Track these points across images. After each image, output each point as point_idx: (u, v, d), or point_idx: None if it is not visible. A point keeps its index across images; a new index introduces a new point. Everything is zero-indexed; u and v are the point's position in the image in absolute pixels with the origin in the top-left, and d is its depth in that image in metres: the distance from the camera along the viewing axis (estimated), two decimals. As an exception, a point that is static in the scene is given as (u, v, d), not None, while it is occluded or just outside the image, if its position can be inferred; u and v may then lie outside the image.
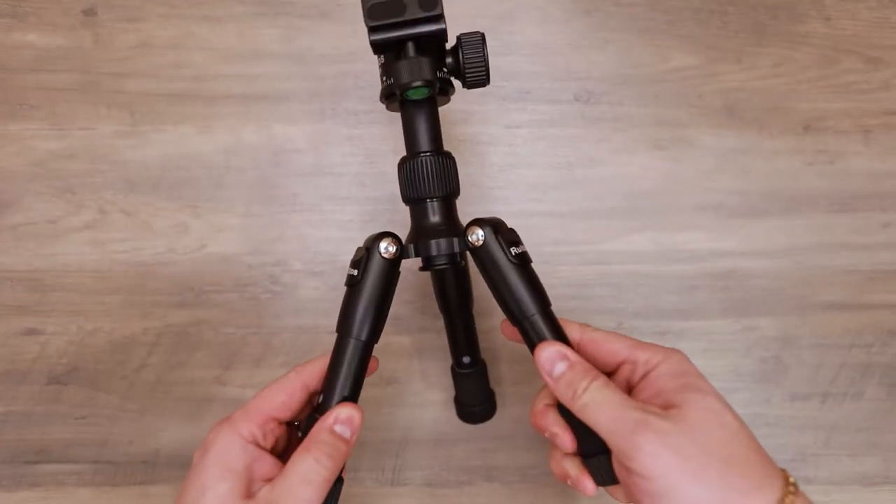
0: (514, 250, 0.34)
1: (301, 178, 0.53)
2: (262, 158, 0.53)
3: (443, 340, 0.53)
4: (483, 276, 0.35)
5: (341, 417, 0.33)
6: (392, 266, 0.35)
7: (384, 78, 0.36)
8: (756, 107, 0.54)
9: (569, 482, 0.34)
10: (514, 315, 0.34)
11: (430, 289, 0.53)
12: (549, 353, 0.32)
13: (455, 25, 0.54)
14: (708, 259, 0.53)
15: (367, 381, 0.52)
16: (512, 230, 0.35)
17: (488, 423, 0.52)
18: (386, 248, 0.35)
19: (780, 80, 0.54)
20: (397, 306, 0.52)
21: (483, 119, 0.53)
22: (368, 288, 0.35)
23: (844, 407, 0.53)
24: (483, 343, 0.50)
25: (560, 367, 0.32)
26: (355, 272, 0.35)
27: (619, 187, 0.53)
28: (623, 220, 0.53)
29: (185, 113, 0.53)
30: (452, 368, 0.48)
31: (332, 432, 0.32)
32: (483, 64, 0.36)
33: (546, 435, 0.35)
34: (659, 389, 0.31)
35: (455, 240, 0.35)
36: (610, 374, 0.34)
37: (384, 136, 0.53)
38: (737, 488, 0.28)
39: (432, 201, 0.36)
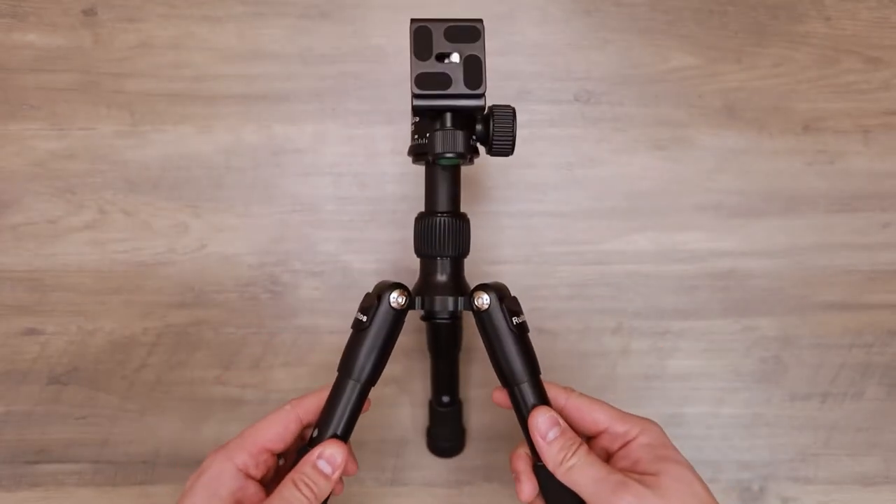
0: (515, 320, 0.36)
1: (301, 178, 0.53)
2: (262, 158, 0.53)
3: (443, 340, 0.54)
4: (482, 337, 0.37)
5: (325, 454, 0.34)
6: (399, 316, 0.36)
7: (416, 136, 0.38)
8: (756, 107, 0.54)
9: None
10: (507, 379, 0.36)
11: (430, 289, 0.53)
12: (545, 419, 0.35)
13: (455, 25, 0.54)
14: (708, 259, 0.53)
15: (367, 381, 0.52)
16: (514, 299, 0.37)
17: (487, 424, 0.52)
18: (396, 298, 0.36)
19: (780, 80, 0.54)
20: (397, 306, 0.52)
21: (483, 119, 0.53)
22: (374, 334, 0.36)
23: (844, 407, 0.53)
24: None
25: (554, 433, 0.34)
26: (364, 318, 0.36)
27: (619, 187, 0.53)
28: (623, 220, 0.53)
29: (185, 113, 0.53)
30: (430, 404, 0.49)
31: (314, 467, 0.34)
32: (511, 137, 0.37)
33: (514, 476, 0.38)
34: (637, 459, 0.35)
35: (460, 299, 0.38)
36: (590, 439, 0.38)
37: (384, 136, 0.53)
38: None
39: (443, 259, 0.38)
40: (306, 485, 0.33)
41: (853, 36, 0.55)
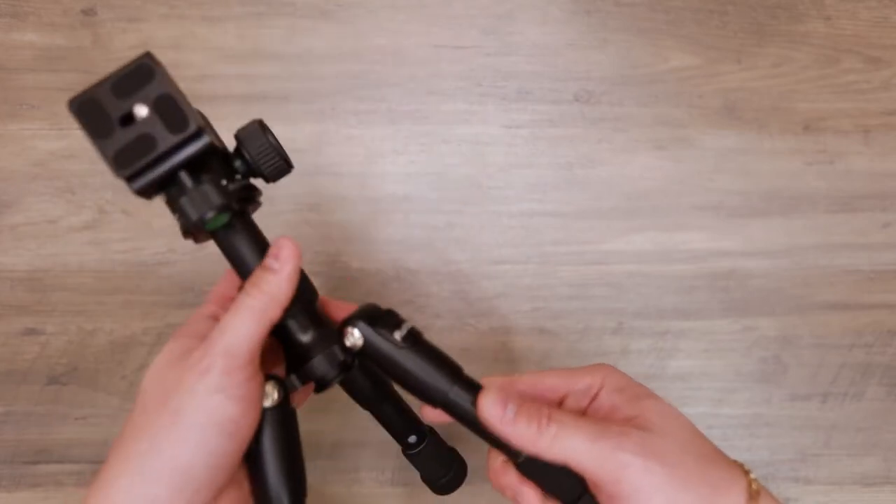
0: (398, 335, 0.31)
1: (301, 177, 0.53)
2: (262, 158, 0.53)
3: (443, 339, 0.53)
4: (381, 373, 0.32)
5: (272, 252, 0.32)
6: (283, 411, 0.31)
7: (175, 214, 0.31)
8: (756, 107, 0.54)
9: None
10: (433, 399, 0.31)
11: (432, 287, 0.53)
12: (493, 401, 0.30)
13: (456, 26, 0.54)
14: (708, 259, 0.53)
15: (367, 381, 0.52)
16: (389, 311, 0.33)
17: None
18: (267, 396, 0.31)
19: (779, 80, 0.54)
20: (396, 306, 0.52)
21: (483, 119, 0.53)
22: (267, 451, 0.31)
23: (844, 407, 0.53)
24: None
25: (511, 409, 0.30)
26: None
27: (620, 187, 0.53)
28: (623, 220, 0.53)
29: (185, 113, 0.53)
30: (403, 453, 0.44)
31: (262, 266, 0.32)
32: (274, 153, 0.33)
33: (508, 495, 0.33)
34: (612, 407, 0.31)
35: (335, 348, 0.32)
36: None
37: (384, 136, 0.53)
38: (714, 484, 0.28)
39: (293, 318, 0.32)
40: (252, 285, 0.30)
41: (853, 36, 0.55)
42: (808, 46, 0.55)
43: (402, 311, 0.55)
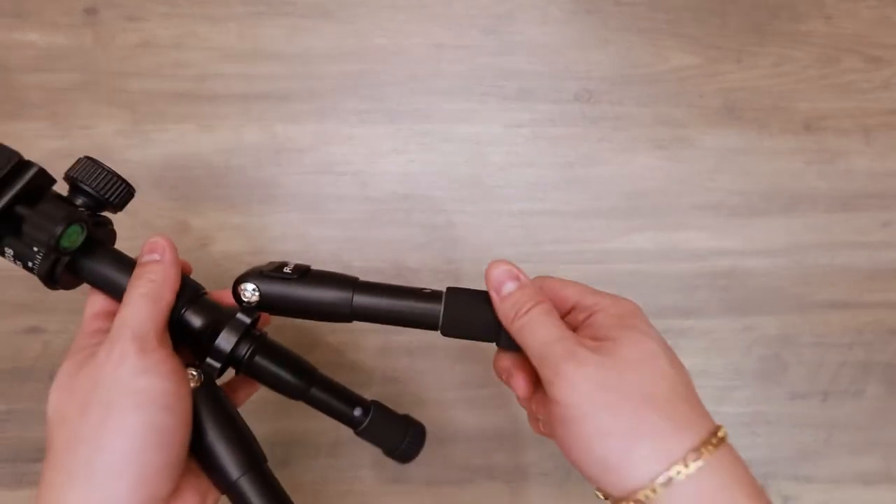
0: (287, 269, 0.33)
1: (302, 177, 0.53)
2: (263, 158, 0.53)
3: (443, 338, 0.54)
4: (287, 312, 0.34)
5: (146, 250, 0.33)
6: (208, 391, 0.33)
7: (29, 264, 0.32)
8: (756, 106, 0.54)
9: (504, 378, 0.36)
10: (340, 313, 0.33)
11: (433, 286, 0.53)
12: (502, 271, 0.32)
13: (456, 25, 0.54)
14: (708, 258, 0.53)
15: (367, 381, 0.53)
16: (271, 263, 0.35)
17: (489, 423, 0.52)
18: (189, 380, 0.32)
19: (780, 80, 0.54)
20: (398, 305, 0.53)
21: (484, 118, 0.54)
22: (206, 430, 0.32)
23: (845, 405, 0.53)
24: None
25: (509, 287, 0.32)
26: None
27: (620, 187, 0.54)
28: (623, 220, 0.53)
29: (186, 112, 0.53)
30: (355, 433, 0.43)
31: (141, 264, 0.33)
32: (117, 178, 0.33)
33: (503, 377, 0.36)
34: (599, 326, 0.31)
35: (237, 317, 0.33)
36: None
37: (385, 136, 0.53)
38: (650, 425, 0.27)
39: (189, 310, 0.34)
40: (140, 277, 0.32)
41: (854, 35, 0.55)
42: (809, 46, 0.55)
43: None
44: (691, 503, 0.26)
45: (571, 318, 0.33)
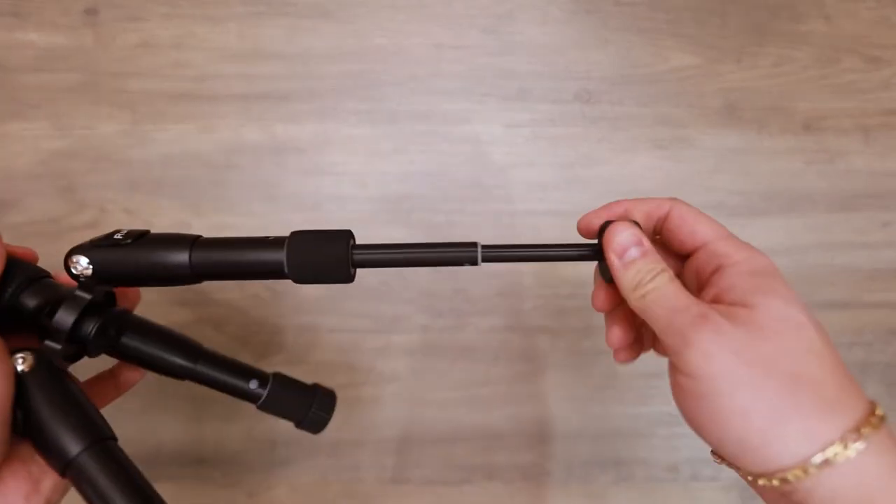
0: (118, 236, 0.32)
1: (302, 177, 0.53)
2: (263, 158, 0.53)
3: (444, 337, 0.54)
4: (141, 283, 0.33)
5: None
6: (42, 372, 0.31)
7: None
8: (756, 106, 0.54)
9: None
10: (179, 275, 0.32)
11: (432, 286, 0.53)
12: (626, 236, 0.29)
13: (456, 25, 0.54)
14: (708, 258, 0.53)
15: (367, 380, 0.53)
16: (103, 235, 0.33)
17: (489, 423, 0.53)
18: (18, 363, 0.30)
19: (779, 80, 0.55)
20: (397, 305, 0.53)
21: (484, 118, 0.54)
22: (39, 411, 0.30)
23: (844, 406, 0.53)
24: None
25: (633, 253, 0.29)
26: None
27: (620, 187, 0.54)
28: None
29: (186, 112, 0.53)
30: (258, 407, 0.40)
31: None
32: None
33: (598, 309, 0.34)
34: (732, 285, 0.28)
35: (76, 293, 0.31)
36: (685, 258, 0.32)
37: (385, 136, 0.53)
38: (798, 405, 0.25)
39: (25, 294, 0.32)
40: None
41: (853, 35, 0.55)
42: (808, 46, 0.55)
43: (404, 310, 0.55)
44: (851, 488, 0.24)
45: (694, 265, 0.31)
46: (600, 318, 0.53)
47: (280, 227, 0.52)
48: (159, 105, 0.53)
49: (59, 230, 0.52)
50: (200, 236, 0.33)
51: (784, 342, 0.26)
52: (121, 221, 0.52)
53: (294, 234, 0.33)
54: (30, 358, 0.31)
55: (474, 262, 0.31)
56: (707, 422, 0.27)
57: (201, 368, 0.38)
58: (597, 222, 0.33)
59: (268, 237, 0.33)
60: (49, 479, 0.31)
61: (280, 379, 0.40)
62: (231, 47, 0.53)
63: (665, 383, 0.55)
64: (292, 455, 0.52)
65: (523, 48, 0.54)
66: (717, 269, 0.29)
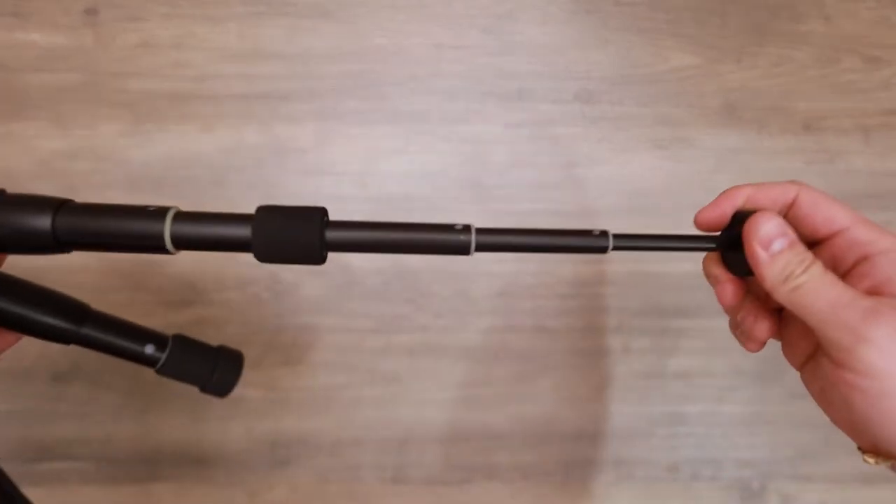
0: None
1: (302, 177, 0.53)
2: (263, 158, 0.53)
3: (444, 337, 0.54)
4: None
5: None
6: None
7: None
8: (756, 106, 0.54)
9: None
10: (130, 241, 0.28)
11: (433, 286, 0.53)
12: (772, 227, 0.28)
13: (457, 25, 0.54)
14: (708, 258, 0.53)
15: (367, 380, 0.53)
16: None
17: (489, 423, 0.53)
18: None
19: (779, 80, 0.55)
20: (397, 305, 0.53)
21: (484, 118, 0.54)
22: None
23: (844, 405, 0.53)
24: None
25: (780, 244, 0.27)
26: None
27: (620, 186, 0.54)
28: (624, 219, 0.53)
29: (186, 112, 0.53)
30: (157, 372, 0.38)
31: None
32: None
33: (711, 282, 0.33)
34: (883, 275, 0.26)
35: None
36: (813, 245, 0.30)
37: (385, 136, 0.53)
38: None
39: None
40: None
41: (853, 35, 0.55)
42: (808, 46, 0.55)
43: (404, 310, 0.55)
44: None
45: (831, 252, 0.29)
46: (600, 318, 0.53)
47: (280, 227, 0.52)
48: (159, 105, 0.53)
49: (60, 230, 0.52)
50: (70, 200, 0.30)
51: None
52: (121, 221, 0.52)
53: (261, 209, 0.29)
54: None
55: (466, 252, 0.29)
56: (883, 419, 0.25)
57: (87, 331, 0.35)
58: (716, 214, 0.31)
59: (148, 206, 0.29)
60: None
61: (180, 341, 0.38)
62: (231, 47, 0.53)
63: (663, 383, 0.55)
64: (292, 455, 0.52)
65: (523, 48, 0.54)
66: (865, 258, 0.28)
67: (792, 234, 0.28)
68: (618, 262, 0.53)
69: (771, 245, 0.27)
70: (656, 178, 0.54)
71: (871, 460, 0.27)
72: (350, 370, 0.52)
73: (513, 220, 0.53)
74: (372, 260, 0.53)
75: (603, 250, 0.31)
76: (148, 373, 0.53)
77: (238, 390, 0.52)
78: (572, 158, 0.54)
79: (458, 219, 0.53)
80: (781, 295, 0.27)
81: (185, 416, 0.52)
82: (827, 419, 0.54)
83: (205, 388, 0.39)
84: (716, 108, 0.54)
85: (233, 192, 0.53)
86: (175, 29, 0.53)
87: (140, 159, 0.52)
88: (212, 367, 0.39)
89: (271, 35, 0.54)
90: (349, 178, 0.53)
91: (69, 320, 0.35)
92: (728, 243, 0.30)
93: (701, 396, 0.53)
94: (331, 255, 0.55)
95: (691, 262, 0.53)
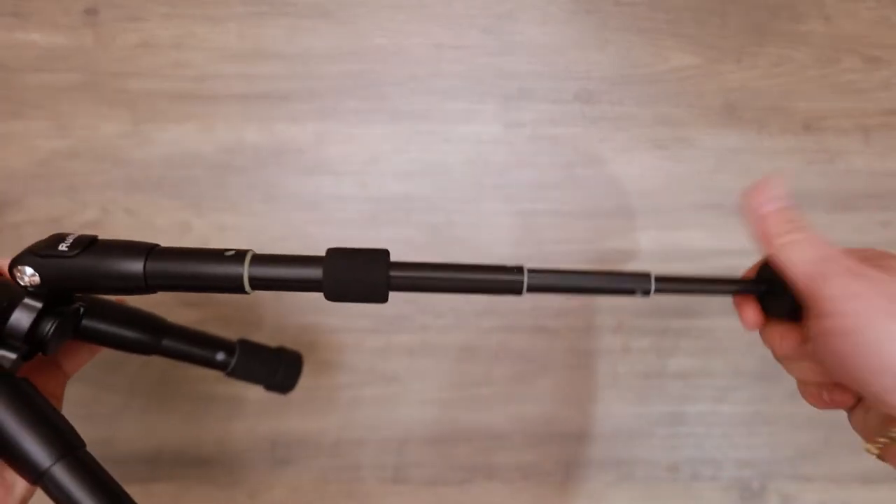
0: (64, 246, 0.31)
1: (302, 177, 0.53)
2: (263, 157, 0.53)
3: (444, 337, 0.54)
4: (93, 290, 0.33)
5: None
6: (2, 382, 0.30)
7: None
8: (756, 106, 0.54)
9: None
10: (129, 286, 0.30)
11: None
12: (780, 190, 0.31)
13: (457, 25, 0.54)
14: (708, 258, 0.53)
15: (367, 380, 0.53)
16: (47, 241, 0.32)
17: (489, 422, 0.53)
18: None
19: (779, 80, 0.55)
20: (398, 305, 0.53)
21: (484, 118, 0.54)
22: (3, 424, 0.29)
23: (844, 405, 0.53)
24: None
25: (775, 204, 0.31)
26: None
27: (620, 186, 0.54)
28: (624, 219, 0.53)
29: (186, 112, 0.53)
30: (226, 375, 0.43)
31: None
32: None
33: (735, 304, 0.35)
34: (866, 256, 0.29)
35: (26, 301, 0.30)
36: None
37: (385, 136, 0.53)
38: None
39: None
40: None
41: (853, 35, 0.55)
42: (808, 46, 0.55)
43: (404, 311, 0.55)
44: None
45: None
46: (600, 317, 0.53)
47: (281, 226, 0.52)
48: (159, 105, 0.53)
49: (60, 230, 0.52)
50: (157, 245, 0.32)
51: None
52: (122, 221, 0.52)
53: (331, 251, 0.32)
54: None
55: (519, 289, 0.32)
56: (856, 357, 0.26)
57: (168, 343, 0.40)
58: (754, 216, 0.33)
59: (226, 251, 0.32)
60: (22, 483, 0.31)
61: (246, 346, 0.42)
62: (231, 47, 0.53)
63: (663, 383, 0.55)
64: (292, 455, 0.52)
65: (523, 48, 0.54)
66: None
67: (790, 202, 0.31)
68: (617, 263, 0.53)
69: (771, 202, 0.31)
70: (656, 178, 0.54)
71: (874, 450, 0.28)
72: (350, 370, 0.52)
73: (513, 219, 0.53)
74: (372, 260, 0.53)
75: (646, 293, 0.34)
76: (148, 373, 0.53)
77: (239, 390, 0.52)
78: (572, 158, 0.54)
79: (458, 219, 0.53)
80: (775, 250, 0.30)
81: (185, 416, 0.52)
82: (827, 419, 0.54)
83: (270, 387, 0.44)
84: (716, 108, 0.54)
85: (233, 192, 0.53)
86: (175, 29, 0.53)
87: (140, 159, 0.52)
88: (275, 368, 0.44)
89: (271, 35, 0.54)
90: (349, 178, 0.53)
91: (150, 333, 0.39)
92: (762, 289, 0.33)
93: (701, 396, 0.53)
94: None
95: (692, 262, 0.53)
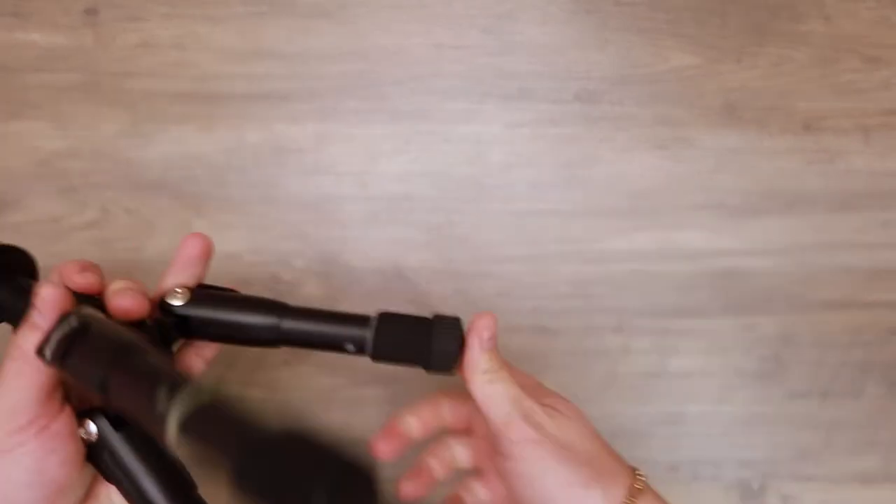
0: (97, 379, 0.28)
1: (302, 177, 0.53)
2: (263, 157, 0.53)
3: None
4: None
5: (37, 303, 0.30)
6: (107, 441, 0.30)
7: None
8: (756, 106, 0.54)
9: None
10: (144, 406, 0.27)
11: (433, 286, 0.53)
12: (492, 323, 0.36)
13: (457, 25, 0.54)
14: (708, 258, 0.53)
15: (367, 380, 0.53)
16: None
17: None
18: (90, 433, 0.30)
19: (779, 80, 0.55)
20: (397, 305, 0.53)
21: (484, 118, 0.54)
22: (125, 469, 0.30)
23: (844, 405, 0.53)
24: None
25: (489, 343, 0.36)
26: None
27: (620, 186, 0.54)
28: (624, 219, 0.53)
29: (186, 112, 0.53)
30: (373, 359, 0.36)
31: (28, 323, 0.30)
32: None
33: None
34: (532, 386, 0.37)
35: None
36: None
37: (385, 136, 0.53)
38: (597, 474, 0.34)
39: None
40: (15, 344, 0.30)
41: (853, 35, 0.55)
42: (808, 46, 0.55)
43: (404, 310, 0.55)
44: None
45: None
46: (600, 318, 0.53)
47: (281, 226, 0.52)
48: (160, 105, 0.53)
49: (60, 230, 0.52)
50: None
51: (578, 428, 0.36)
52: (122, 221, 0.52)
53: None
54: (94, 432, 0.30)
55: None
56: (535, 496, 0.34)
57: (287, 326, 0.34)
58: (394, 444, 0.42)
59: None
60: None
61: (385, 322, 0.35)
62: (231, 47, 0.53)
63: (663, 383, 0.55)
64: (293, 455, 0.52)
65: (523, 48, 0.54)
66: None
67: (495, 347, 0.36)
68: (618, 262, 0.53)
69: (487, 338, 0.35)
70: (656, 178, 0.54)
71: None
72: (350, 370, 0.52)
73: (513, 219, 0.53)
74: (372, 260, 0.53)
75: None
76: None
77: (239, 390, 0.52)
78: (572, 158, 0.54)
79: (458, 219, 0.53)
80: (479, 384, 0.34)
81: (185, 416, 0.52)
82: (827, 419, 0.54)
83: (427, 367, 0.36)
84: (716, 108, 0.54)
85: (233, 192, 0.53)
86: (175, 29, 0.53)
87: (140, 159, 0.52)
88: (426, 339, 0.35)
89: (271, 35, 0.54)
90: (349, 178, 0.53)
91: (272, 321, 0.35)
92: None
93: (701, 396, 0.53)
94: (330, 254, 0.55)
95: (691, 263, 0.53)
